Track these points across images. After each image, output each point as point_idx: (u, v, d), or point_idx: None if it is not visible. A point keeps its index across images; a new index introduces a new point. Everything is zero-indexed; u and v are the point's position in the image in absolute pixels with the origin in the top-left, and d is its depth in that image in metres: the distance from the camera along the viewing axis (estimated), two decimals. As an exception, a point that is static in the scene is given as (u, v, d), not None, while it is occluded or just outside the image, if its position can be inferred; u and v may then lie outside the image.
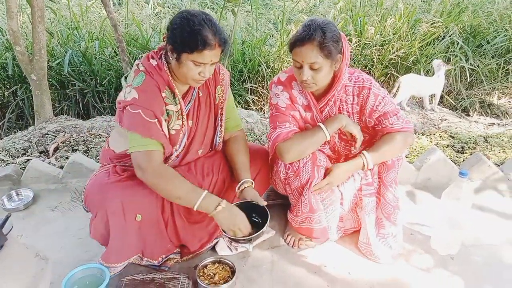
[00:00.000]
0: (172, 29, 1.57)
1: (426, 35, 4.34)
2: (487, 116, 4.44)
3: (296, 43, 1.66)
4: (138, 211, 1.68)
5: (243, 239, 1.68)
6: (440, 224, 2.00)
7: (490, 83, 4.70)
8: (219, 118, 1.90)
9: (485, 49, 4.71)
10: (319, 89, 1.83)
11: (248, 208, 1.76)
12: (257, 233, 1.66)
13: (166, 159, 1.77)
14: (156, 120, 1.61)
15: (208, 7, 6.53)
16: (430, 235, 2.10)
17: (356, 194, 1.95)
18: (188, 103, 1.78)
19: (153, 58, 1.68)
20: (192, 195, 1.64)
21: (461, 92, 4.60)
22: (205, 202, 1.64)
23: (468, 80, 4.49)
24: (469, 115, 4.47)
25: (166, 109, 1.67)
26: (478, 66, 4.59)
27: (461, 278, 1.88)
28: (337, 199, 1.94)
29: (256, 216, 1.79)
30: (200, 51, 1.52)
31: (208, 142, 1.94)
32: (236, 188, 1.86)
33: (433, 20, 4.51)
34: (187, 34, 1.51)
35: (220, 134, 1.94)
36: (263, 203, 1.77)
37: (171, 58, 1.61)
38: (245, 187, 1.82)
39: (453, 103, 4.47)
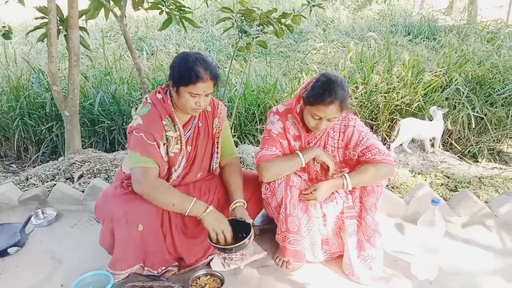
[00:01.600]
0: (172, 67, 1.92)
1: (430, 84, 4.57)
2: (495, 163, 4.53)
3: (320, 103, 1.89)
4: (140, 221, 1.94)
5: (225, 248, 1.89)
6: (418, 250, 2.15)
7: (499, 131, 4.82)
8: (216, 146, 2.19)
9: (493, 97, 4.87)
10: None
11: (236, 225, 1.99)
12: (239, 244, 1.87)
13: (167, 179, 2.06)
14: (155, 143, 1.92)
15: (234, 59, 7.06)
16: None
17: (339, 216, 2.15)
18: (188, 131, 2.08)
19: (159, 92, 2.02)
20: (184, 202, 1.91)
21: (470, 139, 4.73)
22: (195, 207, 1.91)
23: (475, 127, 4.63)
24: (478, 161, 4.57)
25: (166, 135, 1.98)
26: (485, 114, 4.74)
27: (436, 301, 2.01)
28: (313, 217, 2.14)
29: (242, 232, 1.99)
30: (194, 83, 1.84)
31: (206, 167, 2.21)
32: (230, 207, 2.10)
33: (436, 69, 4.77)
34: (183, 70, 1.85)
35: (216, 160, 2.21)
36: (249, 220, 1.99)
37: (172, 92, 1.94)
38: (236, 206, 2.06)
39: (460, 149, 4.60)
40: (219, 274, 2.09)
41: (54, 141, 4.51)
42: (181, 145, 2.04)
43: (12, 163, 4.75)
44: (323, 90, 1.88)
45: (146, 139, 1.90)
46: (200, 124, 2.12)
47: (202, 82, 1.84)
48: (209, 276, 2.09)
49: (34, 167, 4.34)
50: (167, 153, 2.01)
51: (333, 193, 2.16)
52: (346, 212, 2.12)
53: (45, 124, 4.56)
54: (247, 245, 1.93)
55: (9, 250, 1.86)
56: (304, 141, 2.13)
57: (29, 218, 1.86)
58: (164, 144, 1.98)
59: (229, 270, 2.20)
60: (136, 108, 2.04)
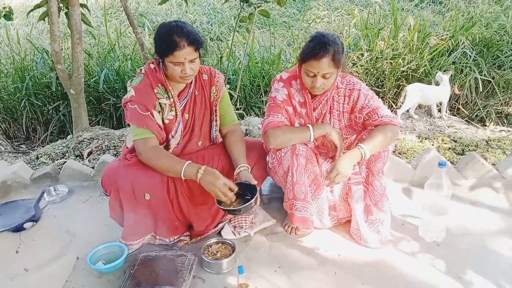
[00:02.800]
0: (154, 40, 1.94)
1: (436, 48, 4.50)
2: (503, 126, 4.50)
3: (312, 57, 1.92)
4: (146, 190, 1.98)
5: (234, 210, 1.92)
6: (425, 212, 2.17)
7: (507, 94, 4.76)
8: (214, 114, 2.20)
9: (501, 60, 4.79)
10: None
11: (242, 188, 2.00)
12: (246, 205, 1.89)
13: (167, 147, 2.11)
14: (149, 112, 1.97)
15: (236, 31, 6.97)
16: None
17: (346, 183, 2.17)
18: (184, 99, 2.11)
19: (153, 63, 2.05)
20: (177, 166, 1.94)
21: (477, 103, 4.69)
22: (188, 169, 1.93)
23: (482, 91, 4.58)
24: (485, 125, 4.54)
25: (159, 103, 2.02)
26: (493, 77, 4.68)
27: (444, 261, 2.04)
28: (321, 185, 2.17)
29: (249, 194, 2.00)
30: (171, 52, 1.85)
31: (206, 135, 2.24)
32: (234, 172, 2.11)
33: (442, 33, 4.68)
34: (160, 42, 1.89)
35: (215, 128, 2.23)
36: (254, 182, 2.00)
37: (162, 64, 1.98)
38: (240, 170, 2.07)
39: (468, 113, 4.57)
40: (230, 242, 2.14)
41: (61, 120, 4.54)
42: (176, 112, 2.07)
43: (21, 144, 4.81)
44: (315, 45, 1.91)
45: (140, 110, 1.95)
46: (196, 93, 2.14)
47: (179, 50, 1.84)
48: (220, 244, 2.14)
49: (43, 146, 4.40)
50: (163, 120, 2.05)
51: None
52: (353, 178, 2.14)
53: (51, 104, 4.58)
54: (253, 206, 1.95)
55: (24, 225, 1.91)
56: (309, 107, 2.13)
57: (42, 193, 1.91)
58: (159, 112, 2.02)
59: (239, 238, 2.25)
60: (132, 80, 2.06)
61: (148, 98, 1.98)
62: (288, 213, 2.20)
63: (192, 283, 1.93)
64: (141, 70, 2.07)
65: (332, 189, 2.20)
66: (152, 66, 2.04)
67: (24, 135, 4.82)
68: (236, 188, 1.95)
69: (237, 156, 2.14)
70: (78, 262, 2.09)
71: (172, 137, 2.10)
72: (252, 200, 1.90)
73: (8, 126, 4.92)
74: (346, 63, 2.06)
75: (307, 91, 2.10)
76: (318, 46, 1.89)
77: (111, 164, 2.10)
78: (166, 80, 2.02)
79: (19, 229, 1.97)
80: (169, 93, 2.04)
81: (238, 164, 2.09)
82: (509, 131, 3.81)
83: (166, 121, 2.07)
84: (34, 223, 1.83)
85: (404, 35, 4.55)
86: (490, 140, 3.31)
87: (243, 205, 1.90)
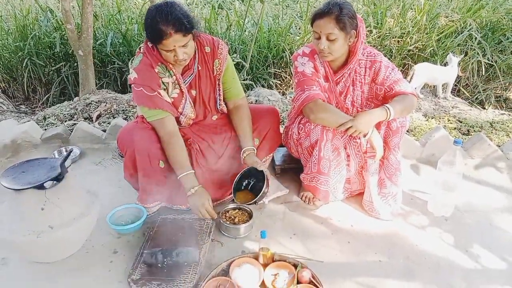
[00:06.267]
0: (144, 26, 1.88)
1: (444, 28, 4.52)
2: (501, 110, 4.59)
3: (316, 16, 1.97)
4: (161, 157, 2.00)
5: (249, 203, 2.10)
6: (436, 188, 2.24)
7: (508, 78, 4.83)
8: (217, 88, 2.19)
9: (504, 45, 4.84)
10: (336, 63, 2.12)
11: (251, 174, 2.12)
12: (259, 196, 2.03)
13: (178, 124, 2.10)
14: (156, 92, 1.95)
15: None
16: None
17: (362, 156, 2.22)
18: (191, 75, 2.09)
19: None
20: (180, 168, 1.97)
21: (478, 86, 4.75)
22: (185, 178, 1.96)
23: (485, 74, 4.64)
24: (484, 108, 4.62)
25: (162, 82, 1.99)
26: (496, 61, 4.73)
27: (452, 235, 2.12)
28: (343, 161, 2.21)
29: (257, 179, 2.14)
30: (160, 41, 1.81)
31: (214, 109, 2.24)
32: (241, 156, 2.16)
33: (451, 14, 4.69)
34: (147, 29, 1.84)
35: (220, 102, 2.22)
36: (261, 168, 2.09)
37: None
38: (247, 154, 2.13)
39: (469, 96, 4.64)
40: (247, 208, 2.19)
41: (63, 82, 4.47)
42: (180, 89, 2.05)
43: (20, 104, 4.74)
44: (321, 5, 1.96)
45: (147, 92, 1.93)
46: (199, 68, 2.11)
47: (166, 39, 1.78)
48: (237, 210, 2.19)
49: (43, 108, 4.35)
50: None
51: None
52: (369, 151, 2.19)
53: (53, 64, 4.50)
54: (266, 192, 2.07)
55: (45, 184, 1.91)
56: (332, 81, 2.15)
57: (69, 153, 1.91)
58: (164, 90, 2.01)
59: (255, 206, 2.29)
60: (133, 60, 2.02)
61: (151, 79, 1.95)
62: (309, 185, 2.25)
63: (211, 246, 1.99)
64: (140, 49, 2.02)
65: (348, 163, 2.24)
66: (150, 44, 1.97)
67: (24, 95, 4.75)
68: (215, 216, 2.02)
69: (243, 136, 2.16)
70: (97, 222, 2.12)
71: (181, 114, 2.09)
72: (264, 189, 2.03)
73: (7, 86, 4.84)
74: (361, 31, 2.05)
75: (329, 65, 2.12)
76: (323, 6, 1.94)
77: (128, 125, 2.10)
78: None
79: (40, 187, 1.98)
80: (171, 71, 2.00)
81: (244, 147, 2.13)
82: (509, 114, 3.89)
83: (171, 99, 2.04)
84: (55, 182, 1.83)
85: (413, 14, 4.55)
86: (494, 123, 3.39)
87: (256, 198, 2.07)
